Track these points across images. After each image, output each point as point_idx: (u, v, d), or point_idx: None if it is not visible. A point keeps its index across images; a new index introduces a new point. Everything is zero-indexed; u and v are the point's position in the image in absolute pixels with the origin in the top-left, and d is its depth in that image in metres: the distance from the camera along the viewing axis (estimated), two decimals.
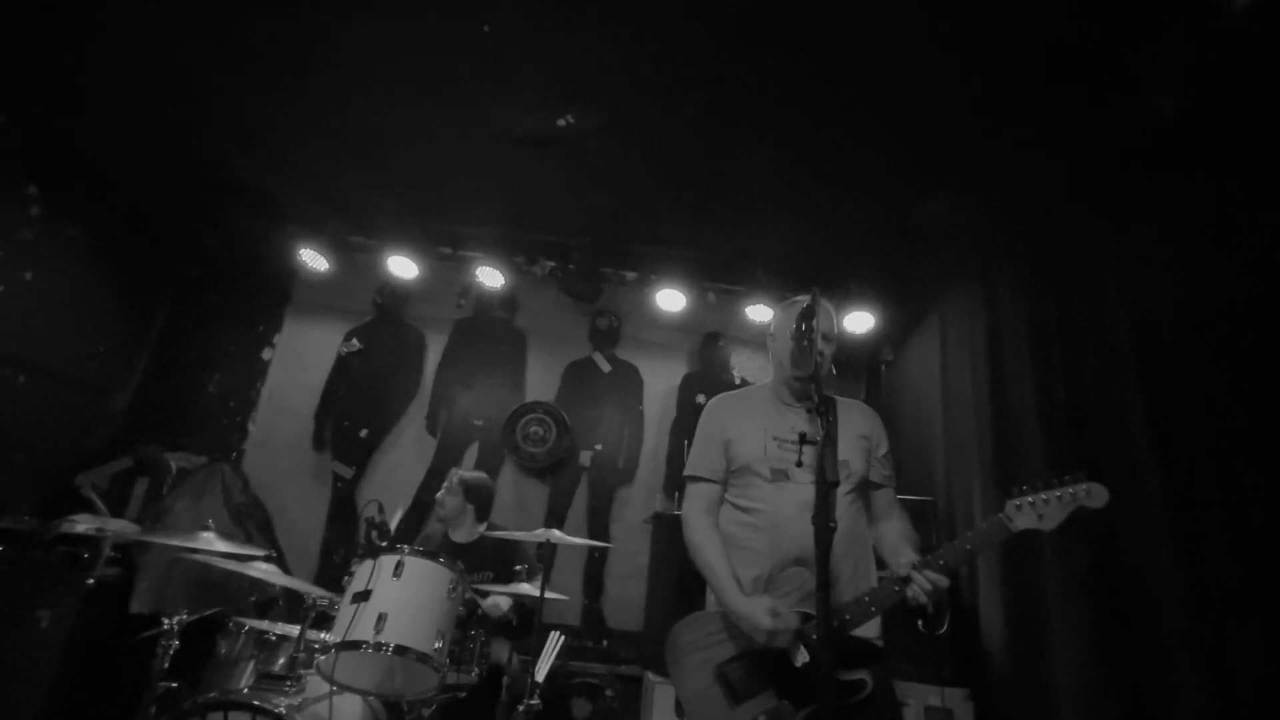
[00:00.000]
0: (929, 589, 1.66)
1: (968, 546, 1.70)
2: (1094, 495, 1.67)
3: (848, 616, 1.72)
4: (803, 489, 1.84)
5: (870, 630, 1.82)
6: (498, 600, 2.90)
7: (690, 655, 1.87)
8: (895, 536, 1.93)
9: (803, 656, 1.73)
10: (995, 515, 1.72)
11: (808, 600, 1.78)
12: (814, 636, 1.71)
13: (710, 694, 1.78)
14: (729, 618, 1.84)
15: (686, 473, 2.10)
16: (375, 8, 2.78)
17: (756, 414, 2.07)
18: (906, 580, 1.69)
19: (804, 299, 1.93)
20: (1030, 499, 1.68)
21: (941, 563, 1.69)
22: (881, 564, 1.96)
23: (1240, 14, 2.19)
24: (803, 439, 1.62)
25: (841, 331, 4.33)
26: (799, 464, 1.83)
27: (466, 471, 3.46)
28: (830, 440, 1.52)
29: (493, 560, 3.20)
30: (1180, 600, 2.17)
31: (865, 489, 1.99)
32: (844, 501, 1.89)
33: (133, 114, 3.59)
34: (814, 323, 1.81)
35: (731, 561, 1.89)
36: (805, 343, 1.83)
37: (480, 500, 3.40)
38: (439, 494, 3.38)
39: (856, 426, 2.01)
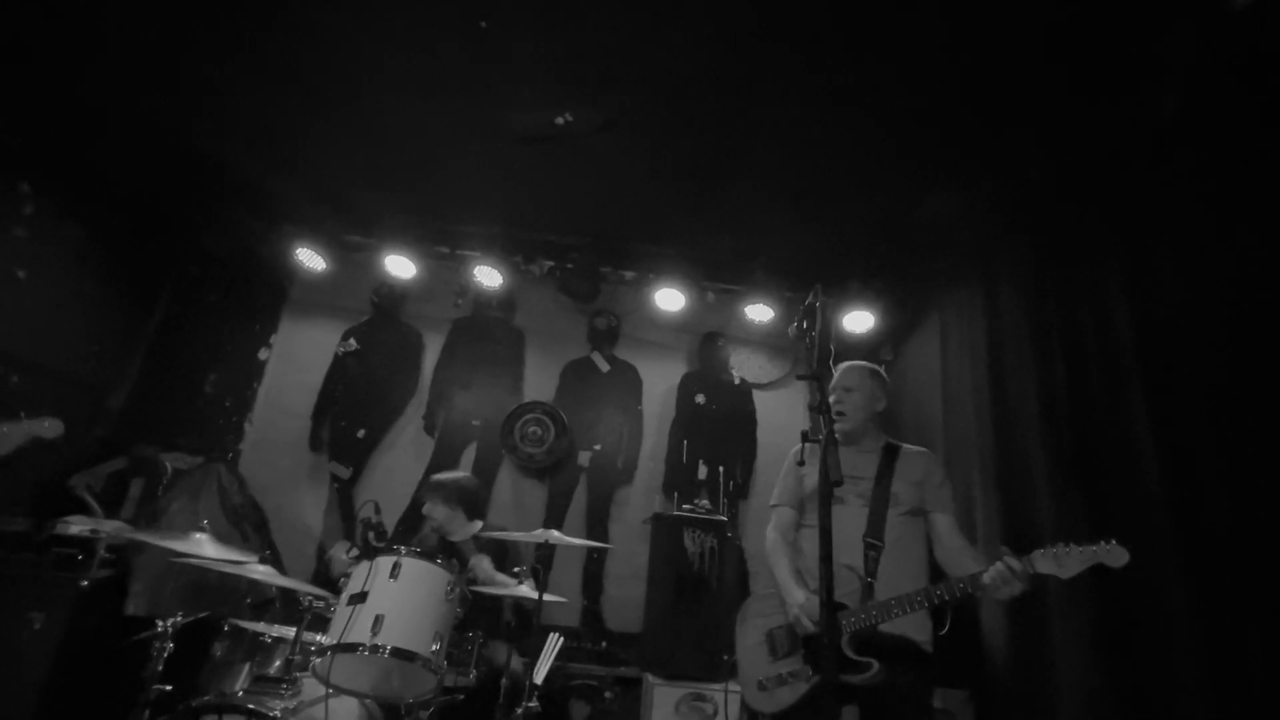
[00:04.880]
0: (1003, 577, 1.93)
1: (986, 581, 1.97)
2: (1113, 555, 1.86)
3: (874, 613, 2.07)
4: (856, 511, 2.28)
5: (919, 633, 2.15)
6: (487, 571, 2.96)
7: (754, 620, 2.36)
8: (964, 556, 2.23)
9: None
10: (1018, 558, 1.95)
11: (848, 596, 2.15)
12: (843, 624, 2.06)
13: (759, 649, 2.28)
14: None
15: (771, 503, 2.56)
16: (374, 5, 2.76)
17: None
18: (976, 579, 1.99)
19: (861, 364, 2.57)
20: (1055, 550, 1.92)
21: (961, 586, 2.02)
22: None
23: (1241, 13, 2.18)
24: (805, 436, 1.68)
25: (839, 330, 4.33)
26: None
27: (442, 475, 3.42)
28: (832, 440, 1.60)
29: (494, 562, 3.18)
30: (1184, 602, 2.16)
31: (920, 515, 2.33)
32: (896, 522, 2.26)
33: (132, 113, 3.56)
34: (815, 321, 1.83)
35: (799, 564, 2.35)
36: (807, 341, 1.85)
37: (465, 498, 3.35)
38: (424, 508, 3.35)
39: (910, 474, 2.36)
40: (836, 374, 2.50)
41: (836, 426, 2.32)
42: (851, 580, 2.16)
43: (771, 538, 2.47)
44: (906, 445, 2.47)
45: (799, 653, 2.18)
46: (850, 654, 2.03)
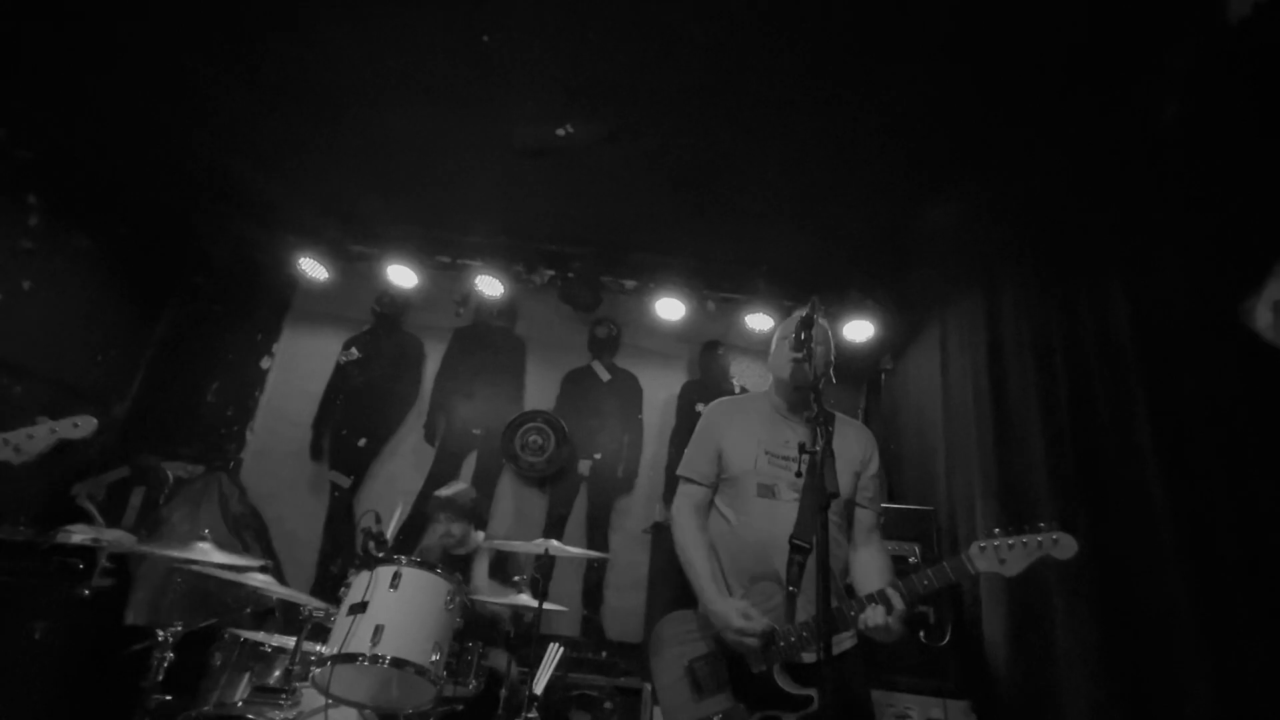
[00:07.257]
0: (878, 624, 1.71)
1: (925, 583, 1.74)
2: (1062, 546, 1.68)
3: (804, 635, 1.81)
4: (787, 507, 1.93)
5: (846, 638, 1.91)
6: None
7: (670, 649, 1.98)
8: (872, 569, 1.98)
9: (759, 665, 1.84)
10: (957, 556, 1.76)
11: (772, 614, 1.86)
12: (771, 648, 1.83)
13: (679, 685, 1.91)
14: (706, 617, 1.94)
15: (679, 471, 2.22)
16: (377, 19, 2.79)
17: (752, 425, 2.12)
18: (869, 602, 1.76)
19: (804, 310, 1.94)
20: (996, 543, 1.71)
21: (902, 594, 1.75)
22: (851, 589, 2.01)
23: (1238, 26, 2.20)
24: (802, 449, 1.63)
25: (839, 339, 4.33)
26: (798, 474, 1.87)
27: (446, 492, 3.41)
28: (829, 451, 1.54)
29: (491, 569, 3.19)
30: (1188, 610, 2.14)
31: (849, 509, 2.04)
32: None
33: (137, 125, 3.60)
34: (813, 333, 1.81)
35: (716, 563, 2.00)
36: (804, 353, 1.83)
37: (476, 512, 3.39)
38: (441, 530, 3.32)
39: (849, 449, 2.06)
40: (794, 319, 2.03)
41: (794, 373, 2.01)
42: (773, 593, 1.88)
43: (681, 522, 2.10)
44: (841, 414, 2.12)
45: (727, 688, 1.86)
46: (788, 688, 1.79)
